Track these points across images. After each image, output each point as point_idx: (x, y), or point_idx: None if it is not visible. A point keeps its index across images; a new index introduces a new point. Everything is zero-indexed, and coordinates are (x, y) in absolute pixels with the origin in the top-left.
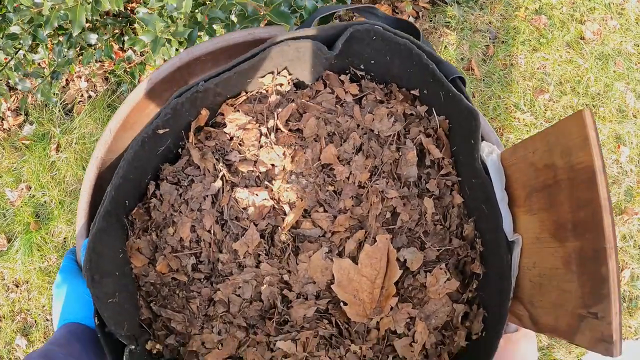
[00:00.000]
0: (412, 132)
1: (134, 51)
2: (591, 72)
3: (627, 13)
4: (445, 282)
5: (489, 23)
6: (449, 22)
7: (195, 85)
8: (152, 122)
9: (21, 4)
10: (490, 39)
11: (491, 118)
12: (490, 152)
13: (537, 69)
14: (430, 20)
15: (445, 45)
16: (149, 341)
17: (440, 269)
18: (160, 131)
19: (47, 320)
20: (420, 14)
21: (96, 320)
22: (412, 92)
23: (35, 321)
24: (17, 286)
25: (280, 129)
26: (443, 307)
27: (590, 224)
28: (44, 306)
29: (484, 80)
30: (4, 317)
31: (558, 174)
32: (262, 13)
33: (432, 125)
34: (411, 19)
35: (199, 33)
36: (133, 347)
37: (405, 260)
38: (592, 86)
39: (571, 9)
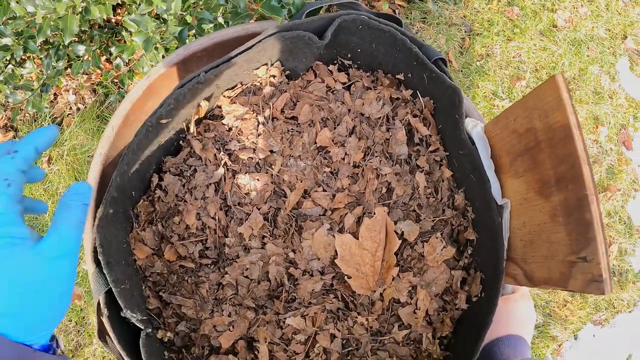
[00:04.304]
0: (400, 113)
1: (122, 59)
2: (565, 57)
3: (597, 0)
4: (442, 250)
5: (464, 17)
6: (425, 18)
7: (196, 76)
8: (155, 112)
9: (15, 15)
10: (465, 31)
11: None
12: (474, 126)
13: (513, 57)
14: (407, 17)
15: (423, 40)
16: (160, 330)
17: (436, 238)
18: (164, 121)
19: None
20: (397, 11)
21: (106, 311)
22: (397, 77)
23: None
24: None
25: (276, 117)
26: (442, 275)
27: (571, 176)
28: None
29: (461, 71)
30: None
31: (538, 135)
32: (255, 7)
33: (417, 107)
34: None
35: (188, 33)
36: (149, 330)
37: (403, 232)
38: (567, 71)
39: None
